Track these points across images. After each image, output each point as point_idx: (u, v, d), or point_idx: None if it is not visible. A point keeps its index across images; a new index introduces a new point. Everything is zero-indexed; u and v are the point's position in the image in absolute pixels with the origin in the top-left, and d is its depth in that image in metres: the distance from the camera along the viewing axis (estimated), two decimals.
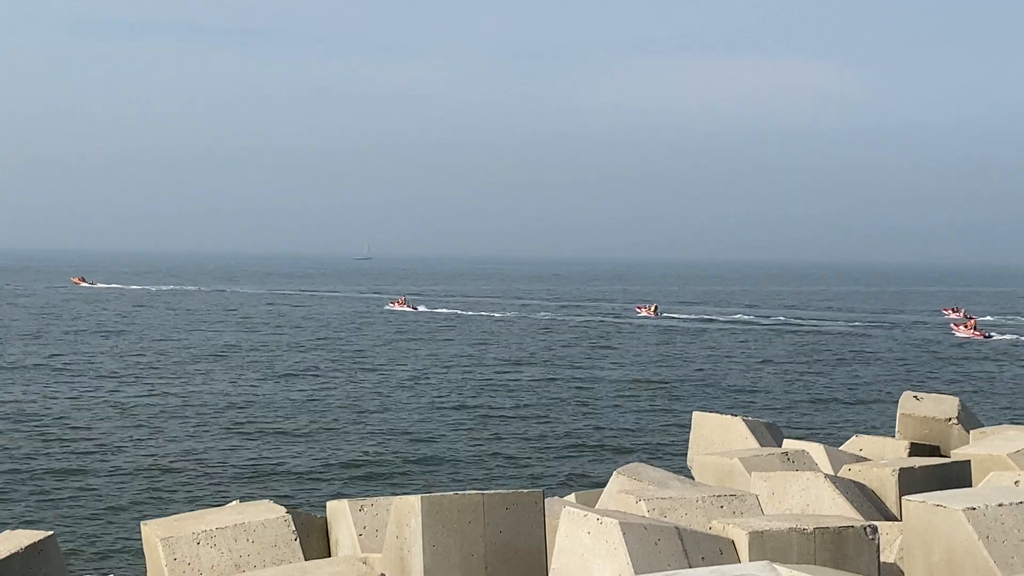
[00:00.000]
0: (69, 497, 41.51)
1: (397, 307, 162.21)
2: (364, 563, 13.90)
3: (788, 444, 22.26)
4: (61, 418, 58.51)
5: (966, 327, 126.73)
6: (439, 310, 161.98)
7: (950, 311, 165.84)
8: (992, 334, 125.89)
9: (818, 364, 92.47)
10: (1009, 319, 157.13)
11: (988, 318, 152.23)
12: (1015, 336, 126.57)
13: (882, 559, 14.03)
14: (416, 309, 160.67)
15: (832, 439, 35.50)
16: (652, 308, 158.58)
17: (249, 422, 58.66)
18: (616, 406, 66.75)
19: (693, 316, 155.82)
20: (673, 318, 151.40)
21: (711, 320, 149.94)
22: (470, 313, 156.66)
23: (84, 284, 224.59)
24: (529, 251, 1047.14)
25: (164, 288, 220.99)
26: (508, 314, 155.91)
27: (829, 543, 13.15)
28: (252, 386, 72.95)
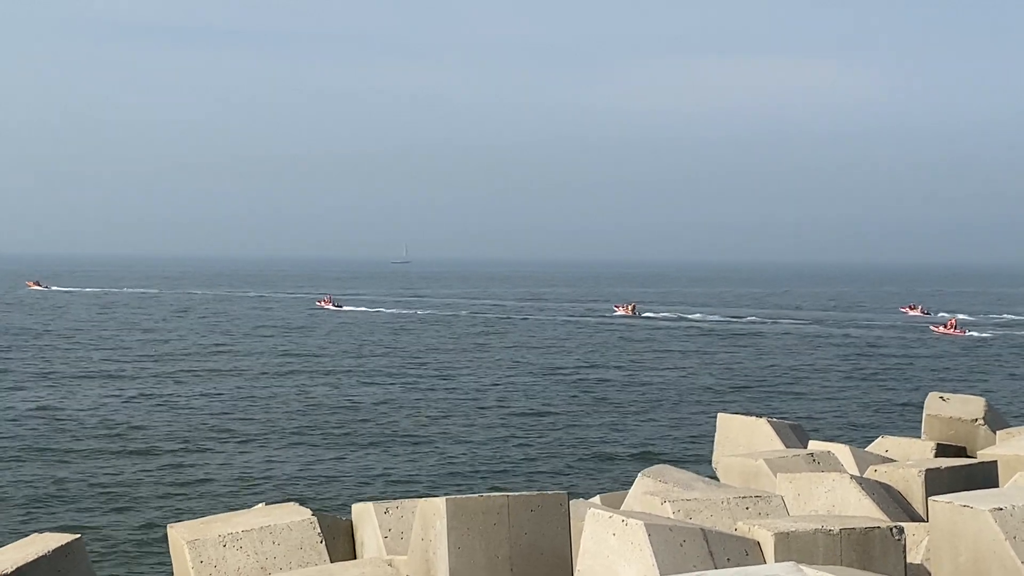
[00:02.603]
0: (96, 500, 41.71)
1: (323, 305, 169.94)
2: (390, 565, 13.93)
3: (813, 445, 22.22)
4: (87, 421, 58.78)
5: (946, 327, 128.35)
6: (469, 313, 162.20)
7: (907, 309, 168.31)
8: (968, 331, 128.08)
9: (842, 365, 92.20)
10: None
11: (963, 316, 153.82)
12: (997, 332, 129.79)
13: (908, 560, 13.99)
14: (341, 307, 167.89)
15: (858, 440, 35.43)
16: (630, 307, 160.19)
17: (275, 425, 58.80)
18: (640, 407, 66.67)
19: (671, 315, 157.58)
20: (651, 317, 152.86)
21: (685, 319, 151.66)
22: (491, 316, 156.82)
23: (39, 288, 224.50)
24: (560, 254, 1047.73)
25: (126, 291, 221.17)
26: (532, 317, 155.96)
27: (855, 544, 13.11)
28: (277, 389, 73.14)
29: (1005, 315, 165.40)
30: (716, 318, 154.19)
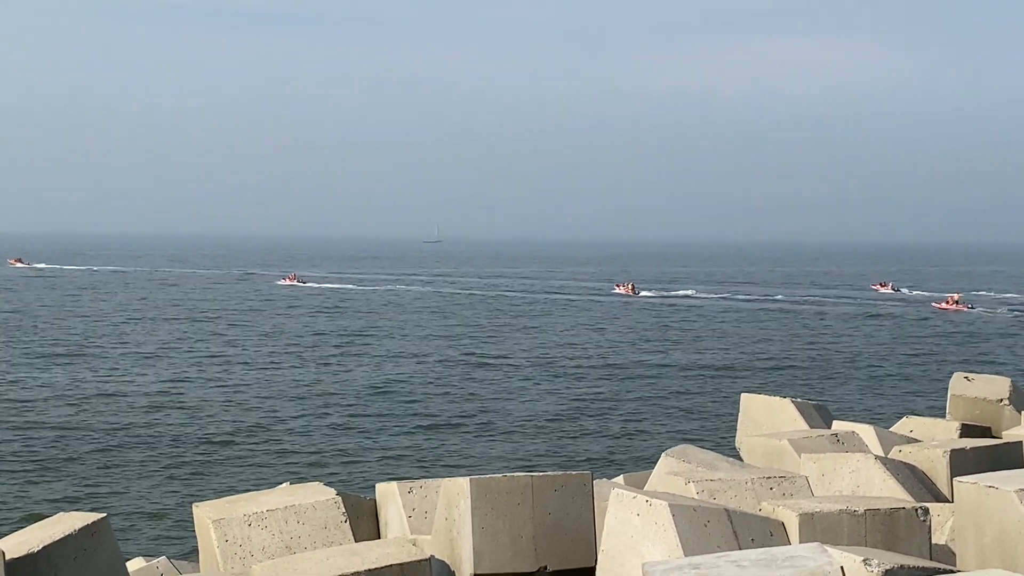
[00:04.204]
0: (122, 480, 41.97)
1: (288, 282, 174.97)
2: (413, 544, 13.95)
3: (838, 425, 22.12)
4: (113, 402, 59.09)
5: (948, 303, 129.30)
6: (497, 292, 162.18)
7: (879, 286, 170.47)
8: (974, 306, 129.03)
9: (866, 345, 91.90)
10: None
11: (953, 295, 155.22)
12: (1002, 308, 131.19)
13: (933, 541, 13.93)
14: (305, 284, 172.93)
15: (882, 420, 35.28)
16: (629, 286, 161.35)
17: (300, 406, 59.01)
18: (663, 388, 66.65)
19: (667, 294, 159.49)
20: (649, 297, 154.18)
21: (682, 298, 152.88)
22: (515, 295, 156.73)
23: (21, 265, 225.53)
24: (588, 234, 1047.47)
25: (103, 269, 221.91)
26: (555, 296, 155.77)
27: (880, 525, 13.06)
28: (302, 370, 73.36)
29: None
30: (728, 297, 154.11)
